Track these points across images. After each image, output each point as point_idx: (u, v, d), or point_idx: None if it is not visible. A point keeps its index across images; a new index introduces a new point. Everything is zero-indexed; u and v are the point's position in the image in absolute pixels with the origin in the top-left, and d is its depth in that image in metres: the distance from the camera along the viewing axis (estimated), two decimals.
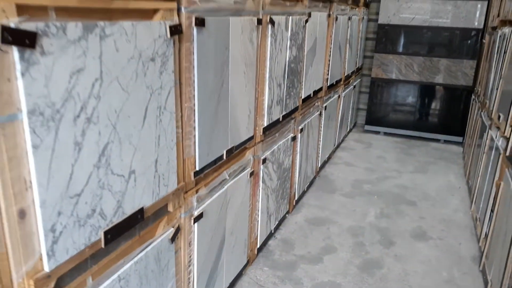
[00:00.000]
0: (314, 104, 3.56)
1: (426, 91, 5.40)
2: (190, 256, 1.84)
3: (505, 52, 3.09)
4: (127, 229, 1.37)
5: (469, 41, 5.03)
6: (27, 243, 1.02)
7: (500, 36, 3.41)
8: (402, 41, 5.30)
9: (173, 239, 1.66)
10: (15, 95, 0.93)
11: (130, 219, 1.36)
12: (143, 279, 1.50)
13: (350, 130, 5.72)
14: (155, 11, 1.38)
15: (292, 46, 2.70)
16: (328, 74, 3.83)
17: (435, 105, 5.47)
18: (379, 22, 5.32)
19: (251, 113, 2.28)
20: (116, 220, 1.30)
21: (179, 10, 1.49)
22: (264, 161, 2.56)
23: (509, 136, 2.50)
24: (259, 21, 2.14)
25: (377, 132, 5.71)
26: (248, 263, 2.60)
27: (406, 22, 5.18)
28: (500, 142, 2.70)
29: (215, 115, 1.86)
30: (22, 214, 1.00)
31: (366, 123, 5.79)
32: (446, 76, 5.22)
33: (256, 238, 2.67)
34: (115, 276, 1.35)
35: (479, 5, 4.88)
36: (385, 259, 2.79)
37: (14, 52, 0.91)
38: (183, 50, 1.54)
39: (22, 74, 0.93)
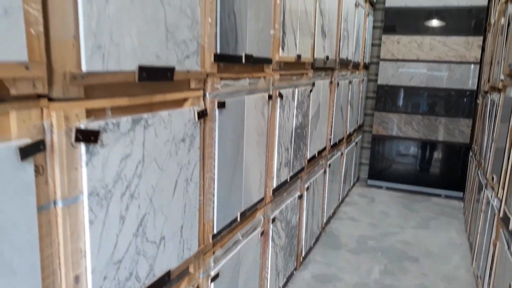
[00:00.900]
0: (318, 163, 3.77)
1: (426, 147, 5.63)
2: None
3: (495, 117, 3.34)
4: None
5: (464, 101, 5.32)
6: None
7: (491, 101, 3.68)
8: (400, 100, 5.61)
9: None
10: (79, 180, 1.15)
11: (159, 281, 1.53)
12: None
13: (354, 184, 5.89)
14: (185, 99, 1.63)
15: (298, 114, 2.96)
16: (331, 135, 4.07)
17: (435, 160, 5.68)
18: (378, 83, 5.65)
19: (262, 177, 2.48)
20: (148, 282, 1.47)
21: (204, 95, 1.75)
22: (273, 220, 2.73)
23: (502, 198, 2.68)
24: (270, 97, 2.41)
25: (380, 187, 5.88)
26: None
27: (404, 83, 5.52)
28: (495, 203, 2.87)
29: (231, 181, 2.06)
30: (76, 279, 1.18)
31: (369, 177, 5.98)
32: (445, 134, 5.47)
33: None
34: None
35: (471, 68, 5.22)
36: None
37: (82, 147, 1.13)
38: (207, 129, 1.77)
39: (86, 164, 1.15)
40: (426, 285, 3.32)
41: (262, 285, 2.72)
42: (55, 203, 1.09)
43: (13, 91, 0.94)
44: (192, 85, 1.66)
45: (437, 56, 5.31)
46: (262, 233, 2.57)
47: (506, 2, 3.61)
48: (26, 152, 0.97)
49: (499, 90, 3.49)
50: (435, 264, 3.67)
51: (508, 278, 2.24)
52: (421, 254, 3.86)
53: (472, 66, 5.20)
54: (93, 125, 1.15)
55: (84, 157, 1.14)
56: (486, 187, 3.33)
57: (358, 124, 5.58)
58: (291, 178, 2.97)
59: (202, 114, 1.70)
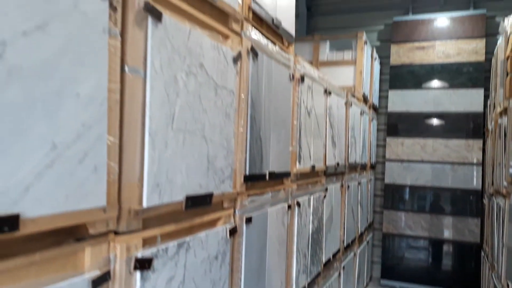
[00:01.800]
0: (333, 266, 3.81)
1: (437, 245, 5.64)
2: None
3: (503, 221, 3.45)
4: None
5: (470, 199, 5.45)
6: None
7: (497, 204, 3.82)
8: (408, 198, 5.75)
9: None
10: None
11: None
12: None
13: (367, 284, 5.79)
14: (219, 218, 1.80)
15: (314, 219, 3.10)
16: (344, 236, 4.16)
17: (447, 259, 5.64)
18: (386, 182, 5.85)
19: (282, 285, 2.55)
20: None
21: (234, 213, 1.92)
22: None
23: None
24: (289, 206, 2.58)
25: (393, 287, 5.77)
26: None
27: (410, 182, 5.71)
28: None
29: None
30: None
31: (382, 276, 5.88)
32: (454, 233, 5.51)
33: None
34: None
35: (474, 168, 5.43)
36: None
37: (137, 274, 1.27)
38: (235, 245, 1.91)
39: None
40: None
41: None
42: None
43: (91, 231, 1.11)
44: (225, 204, 1.84)
45: (441, 157, 5.57)
46: None
47: (501, 114, 3.93)
48: (96, 283, 1.12)
49: (503, 196, 3.65)
50: None
51: None
52: None
53: (475, 167, 5.42)
54: (147, 252, 1.31)
55: (138, 283, 1.27)
56: None
57: (368, 222, 5.66)
58: (309, 284, 3.01)
59: (233, 231, 1.85)
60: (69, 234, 1.09)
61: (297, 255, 2.76)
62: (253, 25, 2.01)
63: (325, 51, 4.97)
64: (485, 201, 4.96)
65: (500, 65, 4.20)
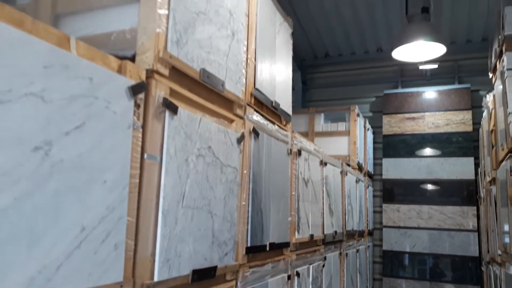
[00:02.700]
0: None
1: None
2: None
3: None
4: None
5: (470, 265, 5.44)
6: None
7: (493, 272, 3.86)
8: (407, 265, 5.73)
9: None
10: None
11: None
12: None
13: None
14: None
15: None
16: None
17: None
18: (383, 248, 5.87)
19: None
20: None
21: (236, 285, 1.99)
22: None
23: None
24: (289, 277, 2.64)
25: None
26: None
27: (408, 249, 5.73)
28: None
29: None
30: None
31: None
32: None
33: None
34: None
35: (471, 235, 5.49)
36: None
37: None
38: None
39: None
40: None
41: None
42: None
43: None
44: (228, 277, 1.92)
45: (437, 224, 5.64)
46: None
47: (490, 183, 4.09)
48: None
49: (499, 264, 3.71)
50: None
51: None
52: None
53: (471, 233, 5.48)
54: None
55: None
56: None
57: None
58: None
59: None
60: None
61: None
62: (254, 109, 2.22)
63: (320, 123, 5.24)
64: (483, 268, 4.97)
65: (486, 137, 4.44)
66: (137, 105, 1.32)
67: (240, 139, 2.02)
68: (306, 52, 6.71)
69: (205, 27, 1.72)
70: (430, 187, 5.82)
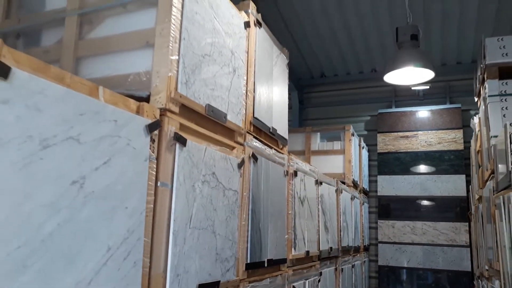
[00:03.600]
0: None
1: None
2: None
3: None
4: None
5: (464, 280, 5.60)
6: None
7: (482, 287, 4.03)
8: (403, 280, 5.88)
9: None
10: None
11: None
12: None
13: None
14: None
15: None
16: None
17: None
18: (379, 263, 6.03)
19: None
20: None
21: None
22: None
23: None
24: None
25: None
26: None
27: (403, 264, 5.89)
28: None
29: None
30: None
31: None
32: None
33: None
34: None
35: (463, 250, 5.66)
36: None
37: None
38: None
39: None
40: None
41: None
42: None
43: None
44: None
45: (430, 240, 5.82)
46: None
47: (479, 200, 4.29)
48: None
49: (487, 279, 3.88)
50: None
51: None
52: None
53: (464, 249, 5.66)
54: None
55: None
56: None
57: None
58: None
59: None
60: None
61: None
62: (253, 136, 2.44)
63: (316, 141, 5.46)
64: (475, 282, 5.13)
65: (474, 156, 4.66)
66: (152, 140, 1.53)
67: (241, 164, 2.23)
68: (303, 72, 6.96)
69: (210, 67, 1.95)
70: (423, 203, 6.01)
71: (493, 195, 3.08)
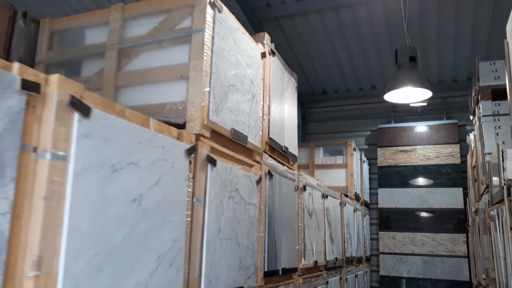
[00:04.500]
0: None
1: None
2: None
3: None
4: None
5: None
6: None
7: None
8: None
9: None
10: None
11: None
12: None
13: None
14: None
15: None
16: None
17: None
18: (381, 274, 6.23)
19: None
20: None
21: None
22: None
23: None
24: None
25: None
26: None
27: (404, 274, 6.09)
28: None
29: None
30: None
31: None
32: None
33: None
34: None
35: (462, 260, 5.87)
36: None
37: None
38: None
39: None
40: None
41: None
42: None
43: None
44: None
45: (430, 250, 6.03)
46: None
47: (475, 212, 4.52)
48: None
49: (484, 287, 4.09)
50: None
51: None
52: None
53: (462, 259, 5.87)
54: None
55: None
56: None
57: None
58: None
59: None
60: None
61: None
62: (268, 154, 2.67)
63: (320, 156, 5.70)
64: None
65: (470, 170, 4.90)
66: (190, 162, 1.77)
67: (259, 181, 2.46)
68: (305, 88, 7.24)
69: (234, 95, 2.19)
70: (423, 215, 6.23)
71: (488, 208, 3.32)
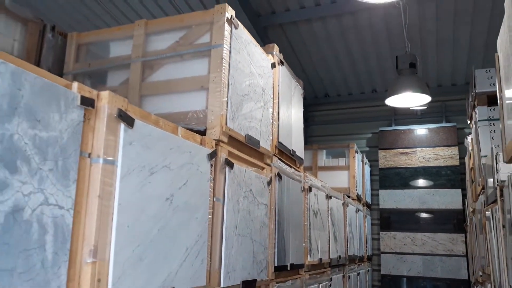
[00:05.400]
0: None
1: None
2: None
3: None
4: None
5: None
6: None
7: None
8: None
9: None
10: None
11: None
12: None
13: None
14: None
15: None
16: None
17: None
18: (382, 273, 6.42)
19: None
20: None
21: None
22: None
23: None
24: None
25: None
26: None
27: (404, 273, 6.28)
28: None
29: None
30: None
31: None
32: None
33: None
34: None
35: (461, 259, 6.06)
36: None
37: None
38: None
39: None
40: None
41: None
42: None
43: None
44: None
45: (429, 250, 6.22)
46: None
47: (473, 212, 4.72)
48: None
49: (481, 283, 4.28)
50: None
51: None
52: None
53: (461, 258, 6.06)
54: None
55: None
56: None
57: None
58: None
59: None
60: None
61: None
62: (278, 157, 2.87)
63: (323, 158, 5.90)
64: None
65: (468, 172, 5.09)
66: (211, 165, 1.97)
67: (269, 182, 2.66)
68: (307, 92, 7.43)
69: (248, 104, 2.39)
70: (423, 216, 6.42)
71: (484, 208, 3.51)
